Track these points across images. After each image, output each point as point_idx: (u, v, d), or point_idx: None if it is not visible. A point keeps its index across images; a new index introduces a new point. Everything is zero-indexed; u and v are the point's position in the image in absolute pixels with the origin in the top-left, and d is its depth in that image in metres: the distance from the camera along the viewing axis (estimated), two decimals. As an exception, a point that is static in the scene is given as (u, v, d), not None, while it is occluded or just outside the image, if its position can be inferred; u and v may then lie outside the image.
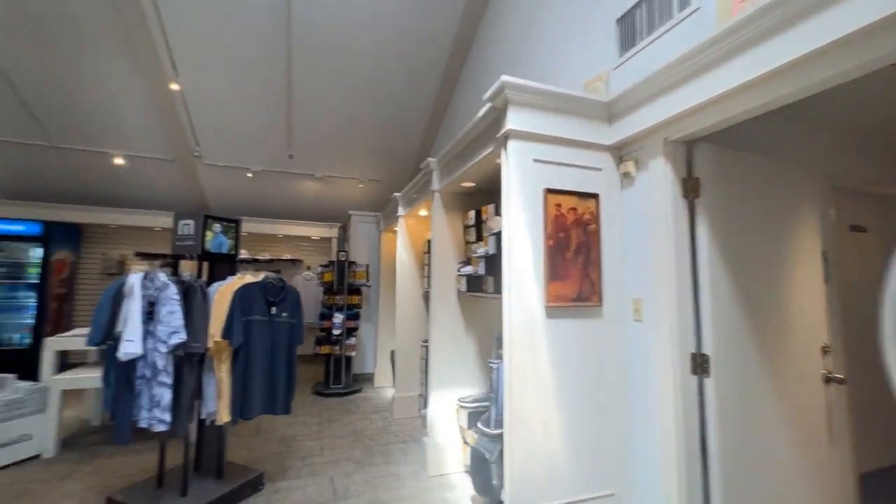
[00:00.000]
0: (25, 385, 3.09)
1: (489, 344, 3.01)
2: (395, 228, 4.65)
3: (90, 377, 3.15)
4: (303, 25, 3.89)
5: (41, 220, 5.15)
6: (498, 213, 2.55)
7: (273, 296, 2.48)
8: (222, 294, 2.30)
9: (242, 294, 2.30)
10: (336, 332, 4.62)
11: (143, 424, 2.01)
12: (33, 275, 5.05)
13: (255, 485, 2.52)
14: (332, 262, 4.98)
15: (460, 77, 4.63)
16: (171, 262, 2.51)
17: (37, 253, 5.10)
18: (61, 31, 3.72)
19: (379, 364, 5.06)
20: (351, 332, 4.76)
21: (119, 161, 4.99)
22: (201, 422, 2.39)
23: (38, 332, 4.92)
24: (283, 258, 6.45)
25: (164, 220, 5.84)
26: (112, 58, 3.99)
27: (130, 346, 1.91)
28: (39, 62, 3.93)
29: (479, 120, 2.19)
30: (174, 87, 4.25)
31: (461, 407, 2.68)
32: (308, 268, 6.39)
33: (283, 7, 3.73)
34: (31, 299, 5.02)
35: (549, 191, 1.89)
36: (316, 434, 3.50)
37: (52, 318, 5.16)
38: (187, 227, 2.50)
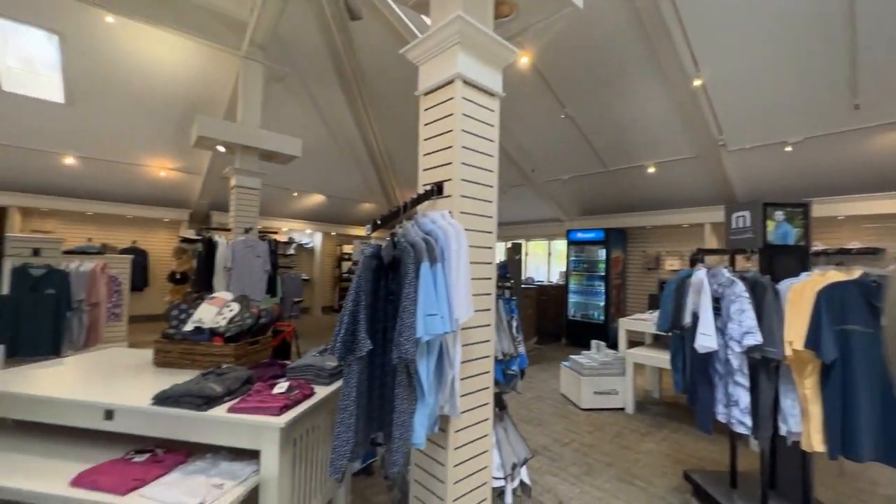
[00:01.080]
0: (611, 352, 4.12)
1: None
2: None
3: (653, 356, 3.70)
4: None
5: (602, 228, 6.86)
6: None
7: (879, 301, 1.78)
8: (798, 294, 1.92)
9: (830, 295, 1.81)
10: None
11: (721, 419, 2.03)
12: (601, 269, 6.80)
13: (866, 550, 1.90)
14: (962, 250, 3.08)
15: None
16: (701, 257, 2.44)
17: (601, 253, 6.83)
18: (608, 78, 4.76)
19: None
20: None
21: (651, 170, 5.72)
22: (777, 437, 2.11)
23: (606, 312, 6.57)
24: (848, 247, 4.81)
25: (687, 217, 6.10)
26: (641, 79, 4.61)
27: (706, 339, 1.98)
28: (597, 109, 5.23)
29: None
30: (697, 82, 4.28)
31: None
32: (896, 259, 4.39)
33: None
34: (600, 287, 6.79)
35: None
36: (968, 523, 2.21)
37: (614, 302, 6.71)
38: (742, 219, 2.33)
